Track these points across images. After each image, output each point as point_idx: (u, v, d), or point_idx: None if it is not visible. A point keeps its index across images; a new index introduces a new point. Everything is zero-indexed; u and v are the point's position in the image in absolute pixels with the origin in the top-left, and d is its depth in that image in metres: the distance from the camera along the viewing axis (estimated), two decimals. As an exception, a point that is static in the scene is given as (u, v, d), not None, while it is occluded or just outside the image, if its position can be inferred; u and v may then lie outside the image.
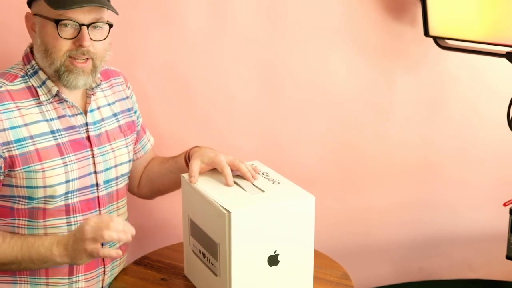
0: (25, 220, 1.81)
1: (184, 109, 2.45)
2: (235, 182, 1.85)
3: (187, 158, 2.01)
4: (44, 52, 1.77)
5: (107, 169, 1.93)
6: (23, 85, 1.80)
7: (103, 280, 1.95)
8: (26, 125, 1.76)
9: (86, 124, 1.88)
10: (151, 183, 2.14)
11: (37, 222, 1.81)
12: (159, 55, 2.38)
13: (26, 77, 1.81)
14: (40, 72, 1.81)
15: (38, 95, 1.80)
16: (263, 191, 1.80)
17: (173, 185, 2.08)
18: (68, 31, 1.75)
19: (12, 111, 1.74)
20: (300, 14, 2.44)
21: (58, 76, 1.79)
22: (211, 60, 2.43)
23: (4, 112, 1.73)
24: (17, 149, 1.73)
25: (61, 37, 1.74)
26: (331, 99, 2.55)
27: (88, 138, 1.88)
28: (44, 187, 1.78)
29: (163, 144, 2.41)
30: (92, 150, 1.88)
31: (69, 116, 1.84)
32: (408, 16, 2.50)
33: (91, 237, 1.68)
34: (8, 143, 1.72)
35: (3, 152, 1.72)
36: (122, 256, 1.99)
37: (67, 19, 1.74)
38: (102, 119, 1.93)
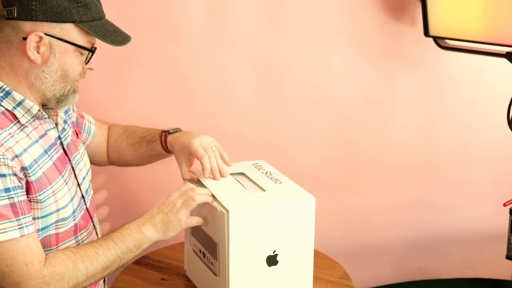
0: None
1: (184, 109, 2.45)
2: (236, 180, 1.86)
3: (165, 146, 2.01)
4: (60, 77, 1.68)
5: (84, 178, 1.89)
6: None
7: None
8: (25, 150, 1.62)
9: (59, 137, 1.80)
10: (126, 163, 2.14)
11: (49, 250, 1.71)
12: (159, 54, 2.38)
13: None
14: (14, 93, 1.65)
15: (16, 118, 1.65)
16: (264, 190, 1.80)
17: (153, 161, 2.13)
18: (84, 57, 1.71)
19: (8, 139, 1.59)
20: (300, 14, 2.44)
21: (59, 99, 1.72)
22: (211, 60, 2.43)
23: (5, 142, 1.58)
24: (32, 175, 1.61)
25: (84, 63, 1.71)
26: (331, 99, 2.55)
27: (64, 151, 1.81)
28: (57, 211, 1.70)
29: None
30: (70, 162, 1.82)
31: (47, 132, 1.75)
32: (408, 16, 2.50)
33: (182, 205, 1.71)
34: (23, 168, 1.59)
35: (23, 177, 1.59)
36: None
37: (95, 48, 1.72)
38: (64, 129, 1.85)
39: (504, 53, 2.24)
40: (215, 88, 2.46)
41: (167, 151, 2.03)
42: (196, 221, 1.75)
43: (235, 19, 2.40)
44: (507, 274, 2.78)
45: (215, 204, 1.72)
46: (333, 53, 2.52)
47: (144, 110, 2.42)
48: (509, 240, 2.21)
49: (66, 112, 1.92)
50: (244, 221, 1.69)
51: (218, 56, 2.43)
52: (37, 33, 1.61)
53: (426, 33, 2.37)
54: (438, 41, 2.41)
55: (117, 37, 1.70)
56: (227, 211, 1.66)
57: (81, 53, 1.69)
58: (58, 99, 1.72)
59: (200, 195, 1.73)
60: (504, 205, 2.23)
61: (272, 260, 1.75)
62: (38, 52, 1.64)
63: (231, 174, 1.90)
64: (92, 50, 1.70)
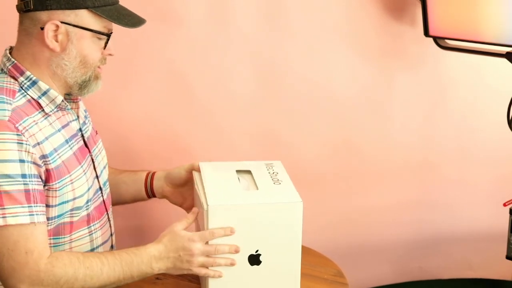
0: (51, 238, 1.72)
1: (184, 108, 2.46)
2: (238, 177, 1.87)
3: (150, 176, 2.05)
4: (79, 63, 1.72)
5: (102, 171, 1.92)
6: (24, 99, 1.69)
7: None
8: (47, 138, 1.67)
9: (80, 129, 1.85)
10: None
11: (63, 237, 1.75)
12: (159, 54, 2.39)
13: (23, 90, 1.70)
14: (40, 83, 1.71)
15: (41, 107, 1.71)
16: (257, 189, 1.80)
17: (117, 197, 2.09)
18: (103, 42, 1.75)
19: (33, 126, 1.65)
20: (300, 14, 2.45)
21: (82, 85, 1.76)
22: (211, 60, 2.44)
23: (30, 128, 1.64)
24: (51, 162, 1.66)
25: (103, 49, 1.75)
26: (331, 99, 2.56)
27: (85, 142, 1.85)
28: (74, 199, 1.74)
29: (163, 143, 2.43)
30: (90, 154, 1.87)
31: (69, 123, 1.80)
32: (408, 16, 2.50)
33: (201, 263, 1.72)
34: (44, 156, 1.64)
35: (42, 164, 1.64)
36: None
37: (111, 32, 1.76)
38: (85, 122, 1.90)
39: (504, 53, 2.24)
40: (215, 87, 2.46)
41: (147, 181, 2.06)
42: (203, 273, 1.75)
43: (235, 18, 2.41)
44: (508, 274, 2.77)
45: (202, 196, 1.74)
46: (333, 53, 2.52)
47: (143, 109, 2.43)
48: (509, 240, 2.21)
49: (85, 111, 1.97)
50: (223, 217, 1.70)
51: (218, 56, 2.43)
52: (53, 21, 1.67)
53: (426, 33, 2.37)
54: (438, 41, 2.41)
55: (132, 20, 1.75)
56: (207, 205, 1.68)
57: (99, 38, 1.73)
58: (80, 85, 1.76)
59: (223, 261, 1.73)
60: (504, 205, 2.23)
61: (254, 260, 1.74)
62: (57, 41, 1.69)
63: (238, 171, 1.91)
64: (108, 35, 1.74)
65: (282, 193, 1.77)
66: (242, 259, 1.73)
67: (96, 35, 1.72)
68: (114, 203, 2.05)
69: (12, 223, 1.57)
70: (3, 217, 1.56)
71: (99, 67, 1.79)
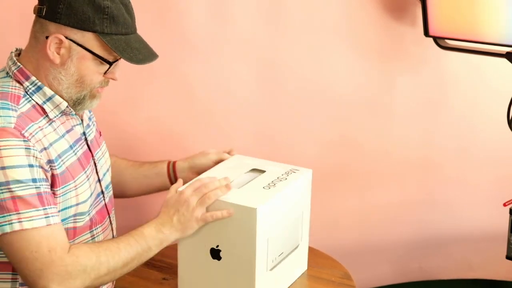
0: None
1: (184, 108, 2.45)
2: (249, 174, 1.89)
3: (171, 167, 2.07)
4: (76, 81, 1.71)
5: (104, 174, 1.92)
6: (28, 105, 1.68)
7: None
8: (51, 145, 1.68)
9: (84, 133, 1.84)
10: (118, 185, 2.10)
11: None
12: (159, 54, 2.37)
13: (27, 96, 1.70)
14: (45, 88, 1.70)
15: (45, 113, 1.71)
16: (236, 188, 1.80)
17: (142, 191, 2.12)
18: (106, 67, 1.72)
19: (38, 132, 1.65)
20: (300, 14, 2.45)
21: (76, 102, 1.74)
22: (211, 59, 2.43)
23: (35, 134, 1.64)
24: (57, 168, 1.67)
25: (103, 73, 1.73)
26: (331, 99, 2.55)
27: (88, 146, 1.85)
28: (77, 205, 1.74)
29: (163, 143, 2.42)
30: (93, 158, 1.86)
31: (73, 127, 1.80)
32: (408, 16, 2.50)
33: (198, 203, 1.73)
34: (50, 161, 1.65)
35: (49, 169, 1.65)
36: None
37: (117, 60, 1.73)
38: (88, 125, 1.89)
39: (504, 53, 2.24)
40: (215, 87, 2.46)
41: (169, 173, 2.07)
42: (211, 217, 1.74)
43: (235, 18, 2.40)
44: (508, 274, 2.78)
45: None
46: (333, 53, 2.52)
47: (143, 109, 2.42)
48: (509, 240, 2.22)
49: (90, 111, 1.96)
50: None
51: (217, 55, 2.43)
52: (57, 35, 1.66)
53: (426, 33, 2.37)
54: (438, 41, 2.41)
55: (137, 55, 1.71)
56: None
57: (101, 63, 1.71)
58: (74, 101, 1.75)
59: (215, 192, 1.75)
60: (504, 205, 2.23)
61: (215, 254, 1.77)
62: (58, 54, 1.68)
63: (255, 170, 1.92)
64: (110, 63, 1.71)
65: (249, 197, 1.76)
66: (205, 251, 1.77)
67: (99, 59, 1.70)
68: (135, 196, 2.11)
69: (28, 227, 1.57)
70: (19, 222, 1.56)
71: (101, 87, 1.77)
